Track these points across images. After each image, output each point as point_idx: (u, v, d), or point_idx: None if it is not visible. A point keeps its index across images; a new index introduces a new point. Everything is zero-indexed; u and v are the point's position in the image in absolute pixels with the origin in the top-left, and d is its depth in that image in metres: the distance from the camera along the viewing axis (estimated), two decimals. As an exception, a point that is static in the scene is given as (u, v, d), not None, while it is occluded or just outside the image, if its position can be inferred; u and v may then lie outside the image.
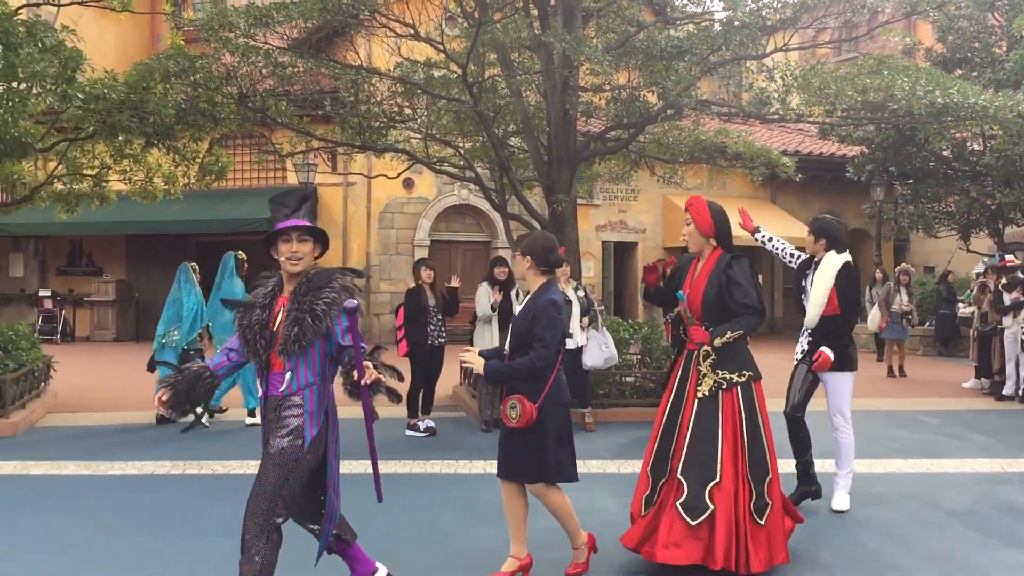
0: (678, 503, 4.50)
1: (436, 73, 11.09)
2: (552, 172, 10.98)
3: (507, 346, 4.50)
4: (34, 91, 8.79)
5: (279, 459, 3.72)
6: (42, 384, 10.07)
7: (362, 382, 3.69)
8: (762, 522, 4.52)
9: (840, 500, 5.94)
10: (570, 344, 8.88)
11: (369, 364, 3.75)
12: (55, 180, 11.85)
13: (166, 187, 12.33)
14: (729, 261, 4.70)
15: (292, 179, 20.07)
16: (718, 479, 4.48)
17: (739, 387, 4.61)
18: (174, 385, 3.85)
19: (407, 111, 11.79)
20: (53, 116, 10.45)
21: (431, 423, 8.88)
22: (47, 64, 8.57)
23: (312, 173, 19.26)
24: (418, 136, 12.17)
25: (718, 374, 4.61)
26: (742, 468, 4.54)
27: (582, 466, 7.37)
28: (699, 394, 4.62)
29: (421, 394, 8.90)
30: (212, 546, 5.12)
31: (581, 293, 9.12)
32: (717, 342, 4.59)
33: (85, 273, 21.37)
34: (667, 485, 4.63)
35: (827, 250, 5.87)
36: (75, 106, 9.21)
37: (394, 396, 3.90)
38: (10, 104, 8.32)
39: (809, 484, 6.00)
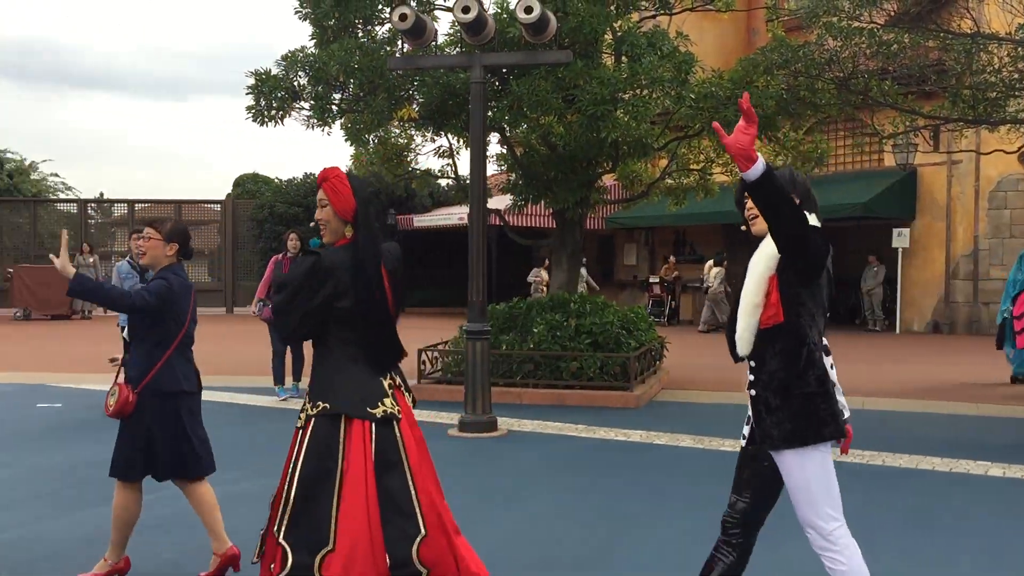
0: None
1: (1070, 29, 9.70)
2: None
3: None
4: (653, 95, 9.71)
5: None
6: (657, 362, 11.09)
7: None
8: None
9: None
10: None
11: None
12: (666, 176, 12.94)
13: (765, 177, 12.67)
14: (301, 253, 3.65)
15: (889, 161, 19.21)
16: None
17: (312, 421, 3.47)
18: None
19: (1030, 76, 10.50)
20: (666, 117, 11.41)
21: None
22: (664, 70, 9.40)
23: (912, 154, 18.23)
24: (1044, 103, 10.77)
25: (306, 400, 3.58)
26: (361, 527, 3.37)
27: None
28: (298, 422, 3.57)
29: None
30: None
31: None
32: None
33: (688, 261, 22.97)
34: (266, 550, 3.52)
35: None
36: (687, 106, 9.95)
37: None
38: (634, 109, 9.28)
39: None
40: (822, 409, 3.10)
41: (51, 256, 4.21)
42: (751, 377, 3.24)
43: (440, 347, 10.78)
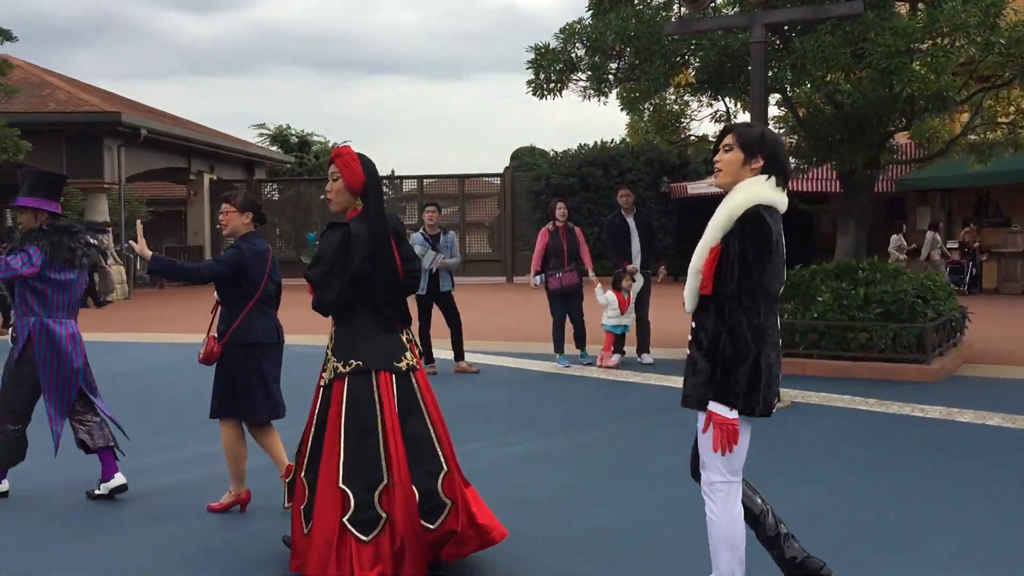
0: (302, 507, 3.98)
1: None
2: None
3: None
4: (955, 44, 8.89)
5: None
6: (958, 334, 10.24)
7: None
8: (434, 526, 3.83)
9: None
10: None
11: None
12: (968, 131, 11.83)
13: (1089, 128, 11.26)
14: (327, 227, 4.02)
15: None
16: (316, 481, 3.94)
17: (346, 379, 3.91)
18: None
19: None
20: (969, 66, 10.42)
21: None
22: (969, 14, 8.58)
23: None
24: None
25: (332, 360, 4.00)
26: (331, 471, 3.84)
27: None
28: (321, 381, 4.05)
29: None
30: None
31: None
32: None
33: (993, 224, 20.94)
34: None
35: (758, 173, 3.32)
36: (995, 53, 9.03)
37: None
38: (933, 60, 8.55)
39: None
40: (737, 381, 3.19)
41: (130, 242, 5.01)
42: (690, 337, 3.42)
43: (718, 316, 10.59)
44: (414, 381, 3.97)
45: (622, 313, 10.02)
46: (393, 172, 32.22)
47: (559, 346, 10.25)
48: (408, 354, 4.01)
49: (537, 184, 26.28)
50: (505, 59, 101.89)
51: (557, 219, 10.14)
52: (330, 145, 41.36)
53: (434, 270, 9.54)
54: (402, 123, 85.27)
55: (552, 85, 10.28)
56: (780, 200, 3.28)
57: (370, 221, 3.94)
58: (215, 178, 28.04)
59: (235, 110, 79.18)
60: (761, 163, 3.29)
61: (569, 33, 10.22)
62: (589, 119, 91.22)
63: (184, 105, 55.28)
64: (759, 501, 3.53)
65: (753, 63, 7.98)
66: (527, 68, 10.31)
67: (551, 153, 31.81)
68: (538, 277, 10.22)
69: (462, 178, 27.71)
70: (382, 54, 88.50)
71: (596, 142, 27.48)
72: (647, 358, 10.26)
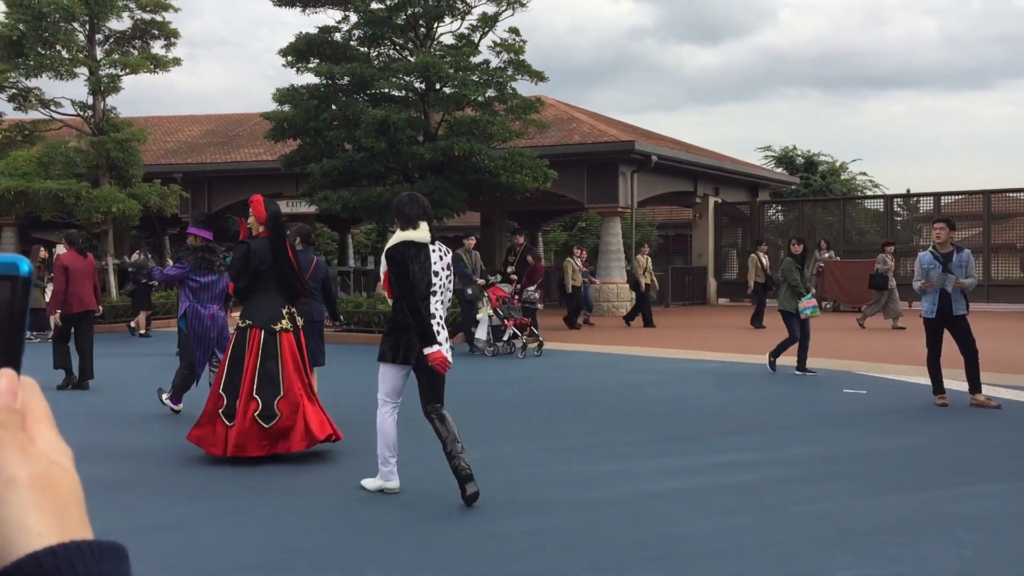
0: (256, 414, 6.42)
1: None
2: None
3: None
4: None
5: None
6: None
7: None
8: (267, 426, 6.40)
9: (370, 480, 5.79)
10: None
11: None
12: None
13: None
14: (239, 243, 6.77)
15: None
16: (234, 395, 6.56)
17: (238, 330, 6.60)
18: None
19: None
20: None
21: None
22: None
23: None
24: None
25: (238, 320, 6.67)
26: (249, 386, 6.45)
27: None
28: (231, 331, 6.88)
29: None
30: None
31: None
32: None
33: None
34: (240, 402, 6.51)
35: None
36: None
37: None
38: None
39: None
40: (388, 344, 5.60)
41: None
42: None
43: None
44: (278, 340, 6.54)
45: None
46: (908, 191, 30.10)
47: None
48: (284, 321, 6.60)
49: (1084, 199, 22.68)
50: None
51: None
52: (837, 165, 40.04)
53: (949, 290, 8.68)
54: (917, 138, 79.58)
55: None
56: (416, 235, 5.48)
57: (271, 239, 6.63)
58: (720, 201, 28.64)
59: (740, 135, 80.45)
60: (397, 221, 5.67)
61: None
62: None
63: (693, 133, 57.61)
64: (448, 430, 5.33)
65: None
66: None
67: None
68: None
69: (987, 194, 24.91)
70: (895, 67, 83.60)
71: None
72: None
